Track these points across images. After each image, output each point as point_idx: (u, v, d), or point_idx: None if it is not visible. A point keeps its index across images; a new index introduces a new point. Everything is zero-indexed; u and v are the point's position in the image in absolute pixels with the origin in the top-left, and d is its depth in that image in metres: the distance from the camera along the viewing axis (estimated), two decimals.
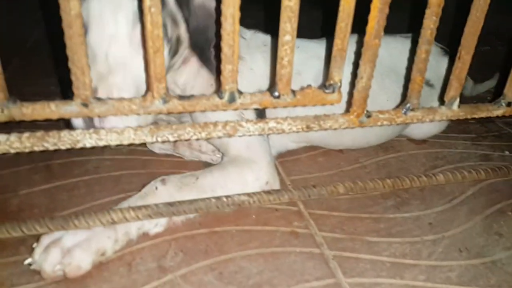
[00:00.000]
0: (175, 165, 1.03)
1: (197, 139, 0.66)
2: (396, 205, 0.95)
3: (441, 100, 0.77)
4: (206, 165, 1.02)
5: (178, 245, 0.78)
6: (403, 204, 0.95)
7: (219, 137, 0.66)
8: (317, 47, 1.07)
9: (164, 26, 0.78)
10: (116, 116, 0.65)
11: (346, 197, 0.96)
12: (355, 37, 0.99)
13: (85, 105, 0.58)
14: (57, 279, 0.68)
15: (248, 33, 1.02)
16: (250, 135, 0.68)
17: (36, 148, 0.59)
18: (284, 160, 1.09)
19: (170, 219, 0.80)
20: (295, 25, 0.61)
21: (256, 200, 0.75)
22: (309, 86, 0.68)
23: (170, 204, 0.72)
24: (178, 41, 0.83)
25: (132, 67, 0.76)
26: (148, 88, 0.61)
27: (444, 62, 1.18)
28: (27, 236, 0.72)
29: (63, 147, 0.60)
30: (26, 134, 0.58)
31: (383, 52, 1.06)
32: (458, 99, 0.76)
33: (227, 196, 0.74)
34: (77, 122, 0.70)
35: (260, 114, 0.96)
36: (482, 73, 1.50)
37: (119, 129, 0.62)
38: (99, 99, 0.59)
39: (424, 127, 1.19)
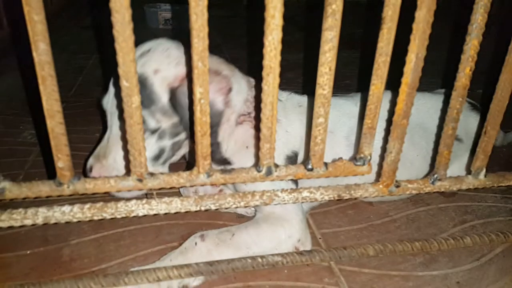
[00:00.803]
0: (211, 216, 1.09)
1: (237, 208, 0.72)
2: (424, 262, 0.97)
3: (471, 156, 0.81)
4: (239, 216, 1.08)
5: None
6: (431, 261, 0.98)
7: (256, 206, 0.72)
8: (349, 105, 1.12)
9: (152, 118, 0.91)
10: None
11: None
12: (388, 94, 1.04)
13: (140, 180, 0.66)
14: None
15: (284, 95, 1.08)
16: (284, 203, 0.74)
17: (95, 218, 0.66)
18: (314, 213, 1.13)
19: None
20: (328, 109, 0.67)
21: (289, 260, 0.80)
22: (340, 158, 0.74)
23: (210, 263, 0.78)
24: (175, 126, 0.94)
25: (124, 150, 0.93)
26: (195, 164, 0.68)
27: (472, 117, 1.21)
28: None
29: (119, 216, 0.67)
30: (87, 206, 0.66)
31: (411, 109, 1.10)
32: (484, 170, 0.79)
33: (261, 257, 0.79)
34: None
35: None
36: None
37: (168, 200, 0.69)
38: (152, 174, 0.66)
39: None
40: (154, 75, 0.89)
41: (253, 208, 1.07)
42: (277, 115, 1.01)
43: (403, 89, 0.68)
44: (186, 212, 1.10)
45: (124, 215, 0.67)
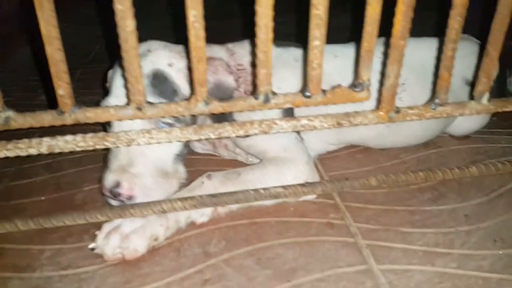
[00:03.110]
0: (218, 163, 1.11)
1: (237, 137, 0.73)
2: (433, 198, 0.97)
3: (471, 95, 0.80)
4: (243, 164, 1.09)
5: (221, 233, 0.86)
6: (440, 197, 0.98)
7: (256, 134, 0.73)
8: (349, 50, 1.11)
9: None
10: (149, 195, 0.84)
11: (383, 191, 0.99)
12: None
13: (139, 109, 0.67)
14: (116, 261, 0.78)
15: (275, 51, 1.04)
16: (284, 132, 0.74)
17: (97, 146, 0.68)
18: (323, 158, 1.14)
19: (215, 210, 0.88)
20: (323, 31, 0.66)
21: (291, 192, 0.81)
22: (339, 85, 0.74)
23: (213, 195, 0.79)
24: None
25: (150, 153, 0.87)
26: (192, 92, 0.69)
27: (473, 48, 1.18)
28: (90, 225, 0.83)
29: (120, 145, 0.69)
30: (89, 135, 0.68)
31: (425, 55, 1.07)
32: (487, 94, 0.78)
33: (264, 188, 0.80)
34: (114, 203, 0.85)
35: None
36: None
37: (168, 129, 0.70)
38: (150, 103, 0.68)
39: (464, 124, 1.19)
40: (170, 68, 0.90)
41: (252, 158, 1.08)
42: None
43: (400, 8, 0.67)
44: (194, 159, 1.13)
45: (125, 144, 0.69)
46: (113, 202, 0.85)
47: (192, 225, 0.87)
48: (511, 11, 0.71)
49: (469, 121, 1.19)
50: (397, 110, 0.76)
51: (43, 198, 0.97)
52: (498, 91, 1.27)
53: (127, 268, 0.77)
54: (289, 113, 1.02)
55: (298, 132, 1.03)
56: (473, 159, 1.13)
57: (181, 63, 0.92)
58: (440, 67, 0.75)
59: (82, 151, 1.13)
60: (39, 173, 1.06)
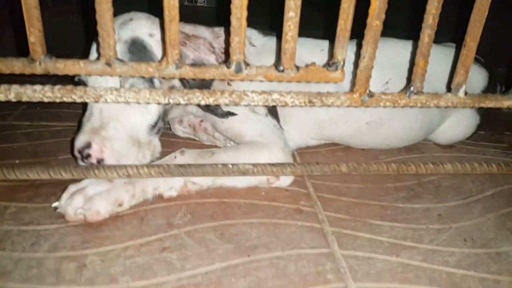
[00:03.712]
0: (196, 147, 1.10)
1: (206, 105, 0.73)
2: (407, 197, 0.96)
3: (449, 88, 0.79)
4: None
5: (188, 209, 0.85)
6: (415, 196, 0.96)
7: (226, 104, 0.73)
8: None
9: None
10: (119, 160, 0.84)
11: (357, 185, 0.98)
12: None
13: (108, 64, 0.68)
14: (77, 223, 0.77)
15: (261, 40, 1.06)
16: (255, 105, 0.74)
17: (65, 99, 0.68)
18: (303, 152, 1.13)
19: (184, 186, 0.87)
20: (298, 2, 0.67)
21: (260, 169, 0.80)
22: (313, 63, 0.74)
23: (181, 165, 0.79)
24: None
25: (123, 119, 0.87)
26: (164, 54, 0.69)
27: (474, 69, 1.17)
28: (58, 189, 0.83)
29: (87, 100, 0.69)
30: (58, 86, 0.68)
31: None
32: (464, 87, 0.77)
33: (233, 164, 0.79)
34: (81, 163, 0.84)
35: (272, 110, 1.02)
36: None
37: (136, 90, 0.70)
38: (121, 60, 0.68)
39: (448, 132, 1.19)
40: (150, 38, 0.90)
41: (230, 144, 1.07)
42: (250, 60, 1.02)
43: None
44: (173, 142, 1.13)
45: (92, 100, 0.69)
46: (84, 165, 0.84)
47: (160, 198, 0.86)
48: (490, 1, 0.71)
49: (454, 129, 1.18)
50: (371, 94, 0.76)
51: (17, 161, 0.97)
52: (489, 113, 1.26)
53: (88, 230, 0.76)
54: (273, 112, 1.02)
55: (278, 121, 1.03)
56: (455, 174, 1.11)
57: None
58: (416, 54, 0.75)
59: (63, 124, 1.16)
60: (18, 140, 1.06)
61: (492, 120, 1.38)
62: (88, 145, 0.82)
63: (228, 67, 0.71)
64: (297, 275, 0.70)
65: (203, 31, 1.00)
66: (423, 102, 0.78)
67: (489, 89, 1.20)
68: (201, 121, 1.08)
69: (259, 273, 0.70)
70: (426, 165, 0.85)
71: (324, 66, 0.74)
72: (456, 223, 0.87)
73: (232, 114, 0.96)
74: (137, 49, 0.87)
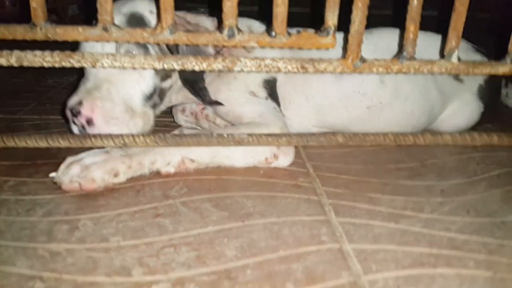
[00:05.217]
0: None
1: (200, 70, 0.74)
2: (409, 176, 0.94)
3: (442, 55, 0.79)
4: None
5: (185, 183, 0.85)
6: (417, 175, 0.94)
7: (219, 70, 0.74)
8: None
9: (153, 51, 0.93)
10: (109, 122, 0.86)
11: (359, 166, 0.97)
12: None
13: (105, 29, 0.70)
14: (74, 192, 0.78)
15: (262, 29, 1.07)
16: (248, 71, 0.75)
17: (63, 64, 0.71)
18: (309, 146, 1.12)
19: (182, 163, 0.87)
20: None
21: (255, 139, 0.80)
22: (305, 29, 0.75)
23: (176, 135, 0.79)
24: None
25: (117, 82, 0.90)
26: (158, 19, 0.71)
27: (475, 58, 1.18)
28: (58, 166, 0.84)
29: (85, 65, 0.71)
30: (56, 52, 0.71)
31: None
32: (456, 52, 0.77)
33: (228, 134, 0.80)
34: (75, 129, 0.87)
35: (272, 94, 1.03)
36: None
37: (132, 55, 0.72)
38: (118, 26, 0.71)
39: (451, 120, 1.18)
40: (151, 14, 0.94)
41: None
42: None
43: None
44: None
45: (90, 64, 0.71)
46: (75, 130, 0.87)
47: (157, 174, 0.86)
48: None
49: (456, 117, 1.17)
50: (363, 60, 0.76)
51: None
52: (493, 103, 1.26)
53: (83, 199, 0.77)
54: (273, 97, 1.03)
55: (278, 105, 1.04)
56: (460, 150, 1.09)
57: None
58: (406, 19, 0.75)
59: None
60: (24, 129, 1.09)
61: (502, 113, 1.36)
62: (80, 103, 0.84)
63: (221, 32, 0.73)
64: (291, 237, 0.69)
65: (204, 20, 1.03)
66: (416, 68, 0.78)
67: (491, 81, 1.19)
68: (203, 108, 1.09)
69: (252, 235, 0.69)
70: (424, 136, 0.84)
71: (316, 32, 0.75)
72: (459, 197, 0.85)
73: (219, 103, 0.98)
74: (136, 23, 0.90)
